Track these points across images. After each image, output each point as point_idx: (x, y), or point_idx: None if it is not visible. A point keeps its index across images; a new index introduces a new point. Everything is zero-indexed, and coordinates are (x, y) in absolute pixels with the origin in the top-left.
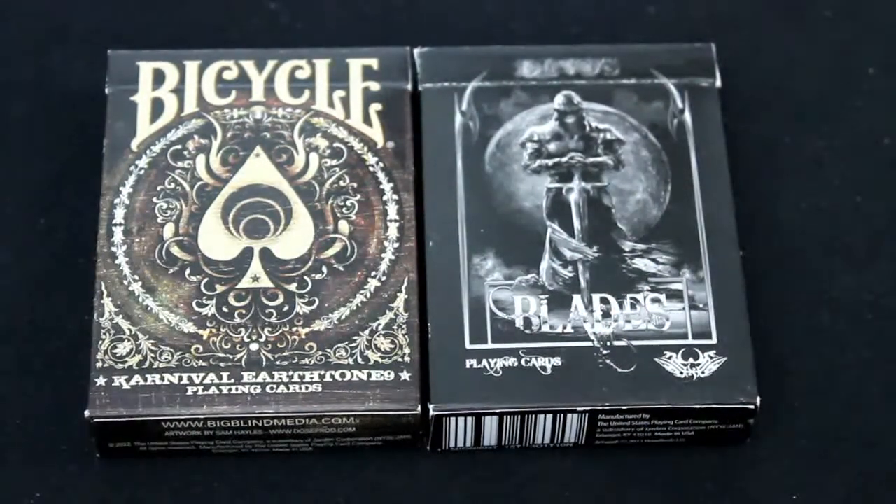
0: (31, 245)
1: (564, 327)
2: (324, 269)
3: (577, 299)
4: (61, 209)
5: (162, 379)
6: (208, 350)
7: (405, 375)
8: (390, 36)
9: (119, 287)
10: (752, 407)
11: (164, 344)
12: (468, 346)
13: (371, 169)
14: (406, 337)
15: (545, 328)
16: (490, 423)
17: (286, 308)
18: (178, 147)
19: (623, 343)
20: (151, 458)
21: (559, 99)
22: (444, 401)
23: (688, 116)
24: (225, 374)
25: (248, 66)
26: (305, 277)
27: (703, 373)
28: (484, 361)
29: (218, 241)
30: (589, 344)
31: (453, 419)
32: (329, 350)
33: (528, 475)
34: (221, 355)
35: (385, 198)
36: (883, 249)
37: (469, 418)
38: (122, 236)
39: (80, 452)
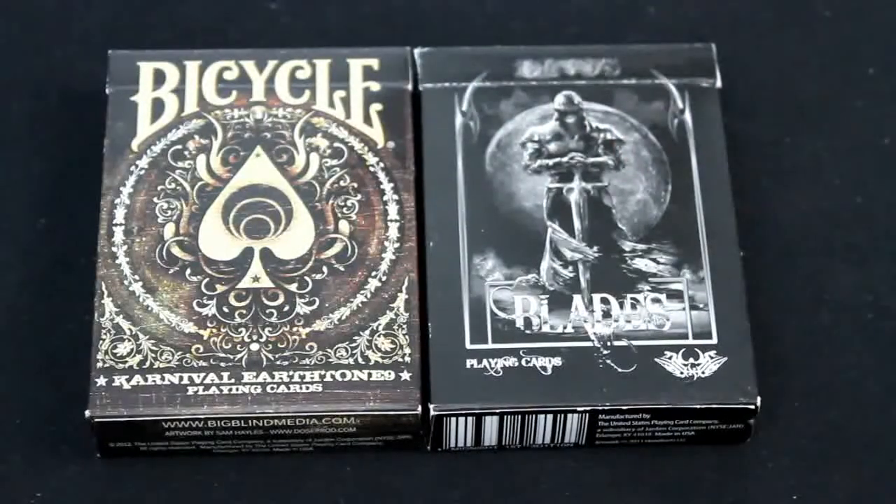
0: (31, 245)
1: (565, 327)
2: (324, 269)
3: (577, 299)
4: (61, 209)
5: (162, 379)
6: (209, 350)
7: (405, 375)
8: (390, 36)
9: (119, 287)
10: (752, 407)
11: (165, 344)
12: (468, 346)
13: (371, 169)
14: (406, 337)
15: (545, 328)
16: (490, 423)
17: (286, 308)
18: (179, 147)
19: (623, 343)
20: (151, 458)
21: (559, 99)
22: (444, 401)
23: (688, 116)
24: (225, 374)
25: (249, 66)
26: (306, 277)
27: (703, 373)
28: (484, 361)
29: (218, 242)
30: (589, 344)
31: (454, 419)
32: (329, 350)
33: (528, 475)
34: (222, 355)
35: (385, 198)
36: (883, 249)
37: (469, 418)
38: (122, 236)
39: (80, 452)
